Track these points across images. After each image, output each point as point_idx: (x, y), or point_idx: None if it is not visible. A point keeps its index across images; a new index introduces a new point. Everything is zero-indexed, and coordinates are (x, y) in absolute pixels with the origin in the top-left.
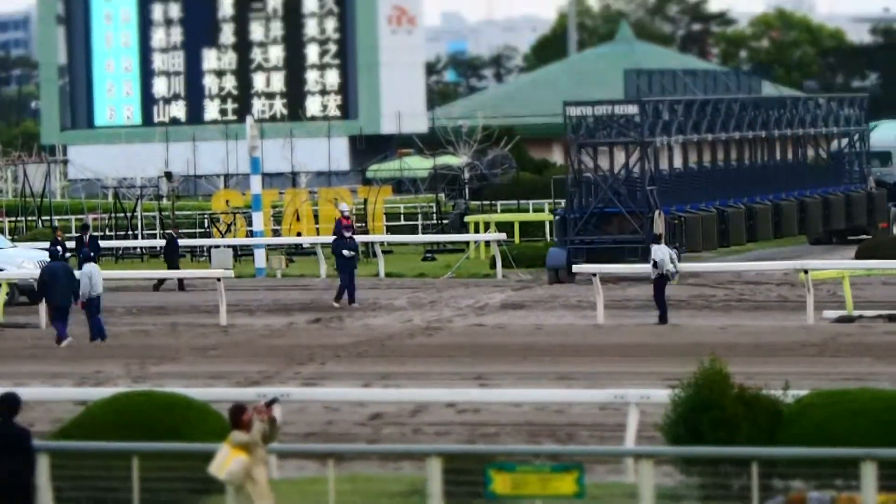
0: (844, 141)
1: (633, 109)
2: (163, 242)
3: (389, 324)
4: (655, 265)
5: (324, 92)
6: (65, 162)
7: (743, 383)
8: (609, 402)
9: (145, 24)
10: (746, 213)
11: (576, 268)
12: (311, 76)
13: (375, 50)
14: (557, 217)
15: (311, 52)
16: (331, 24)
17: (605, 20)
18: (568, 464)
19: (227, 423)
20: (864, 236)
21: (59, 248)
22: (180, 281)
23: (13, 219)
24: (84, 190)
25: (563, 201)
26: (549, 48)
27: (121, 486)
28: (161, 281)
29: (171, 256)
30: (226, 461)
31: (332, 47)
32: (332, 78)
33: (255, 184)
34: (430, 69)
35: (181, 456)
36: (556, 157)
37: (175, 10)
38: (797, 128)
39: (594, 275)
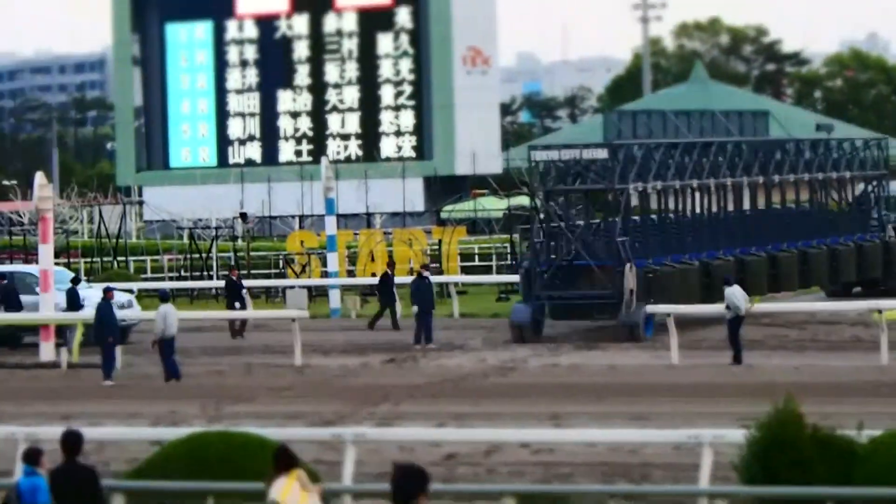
0: (861, 186)
1: (602, 154)
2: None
3: (464, 364)
4: (728, 308)
5: (398, 133)
6: (140, 203)
7: (817, 423)
8: (683, 442)
9: (221, 66)
10: (738, 265)
11: (651, 308)
12: (386, 117)
13: (450, 91)
14: (522, 270)
15: (386, 94)
16: (405, 66)
17: (680, 60)
18: None
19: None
20: (879, 288)
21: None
22: (241, 323)
23: (89, 259)
24: (159, 231)
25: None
26: (624, 88)
27: None
28: (242, 325)
29: (230, 299)
30: (301, 501)
31: (407, 88)
32: (407, 119)
33: (330, 224)
34: (505, 110)
35: (256, 496)
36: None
37: (250, 52)
38: (802, 172)
39: (668, 315)
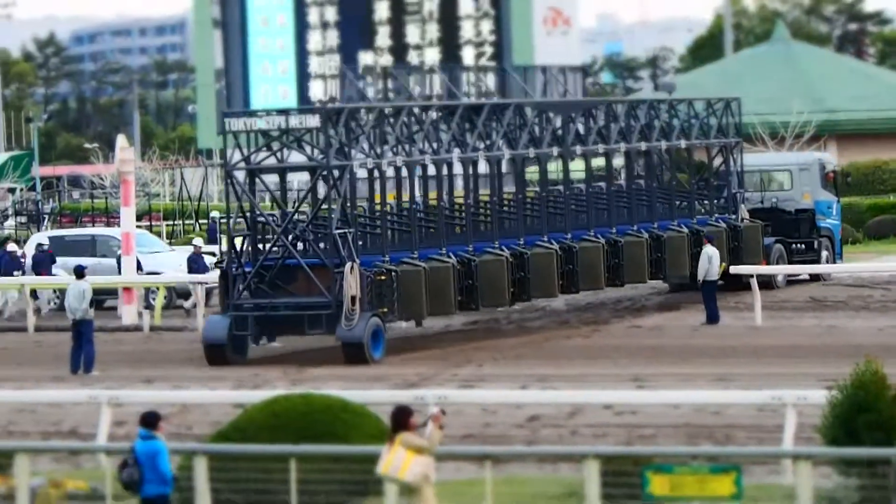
0: (714, 159)
1: (313, 121)
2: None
3: (547, 326)
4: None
5: (480, 94)
6: (222, 165)
7: None
8: (766, 403)
9: (301, 28)
10: (514, 263)
11: (734, 268)
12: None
13: (531, 51)
14: (220, 272)
15: (467, 55)
16: (486, 27)
17: (762, 20)
18: (726, 465)
19: (383, 426)
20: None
21: None
22: None
23: (170, 222)
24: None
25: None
26: (705, 49)
27: (278, 488)
28: None
29: None
30: (406, 463)
31: (488, 49)
32: (488, 80)
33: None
34: (586, 71)
35: (338, 458)
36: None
37: (331, 14)
38: (616, 141)
39: (752, 276)
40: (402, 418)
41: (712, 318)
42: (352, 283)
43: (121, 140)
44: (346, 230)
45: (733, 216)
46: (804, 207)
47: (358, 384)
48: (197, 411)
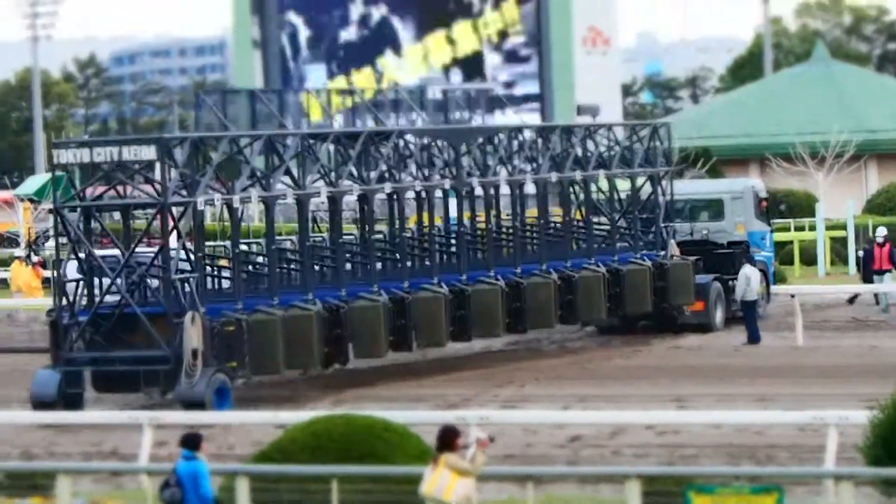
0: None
1: (149, 153)
2: None
3: (588, 346)
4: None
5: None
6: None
7: None
8: (808, 423)
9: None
10: (381, 311)
11: (775, 288)
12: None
13: (571, 71)
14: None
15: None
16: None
17: (801, 40)
18: (768, 485)
19: (425, 446)
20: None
21: None
22: None
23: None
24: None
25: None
26: (745, 68)
27: None
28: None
29: None
30: (450, 485)
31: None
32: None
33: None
34: (626, 90)
35: (380, 479)
36: (753, 177)
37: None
38: (535, 171)
39: (793, 296)
40: (449, 439)
41: (753, 338)
42: (193, 334)
43: None
44: (189, 275)
45: (662, 252)
46: (737, 240)
47: (399, 405)
48: (238, 431)
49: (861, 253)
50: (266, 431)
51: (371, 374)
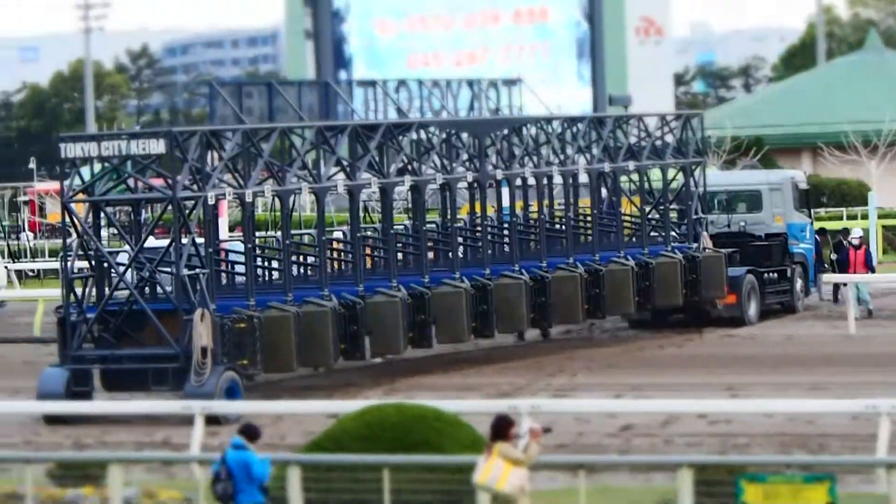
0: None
1: (158, 146)
2: None
3: (640, 335)
4: None
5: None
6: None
7: None
8: (860, 412)
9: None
10: (399, 307)
11: (826, 277)
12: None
13: (624, 61)
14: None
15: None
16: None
17: (854, 29)
18: (820, 474)
19: (477, 435)
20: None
21: None
22: None
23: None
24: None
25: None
26: (798, 57)
27: (371, 498)
28: None
29: None
30: (504, 474)
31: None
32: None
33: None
34: (679, 80)
35: (432, 468)
36: (806, 166)
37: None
38: (549, 163)
39: (844, 284)
40: (503, 428)
41: None
42: (202, 332)
43: None
44: (199, 271)
45: (694, 244)
46: (776, 232)
47: (451, 394)
48: (290, 421)
49: (834, 256)
50: (318, 421)
51: (423, 364)
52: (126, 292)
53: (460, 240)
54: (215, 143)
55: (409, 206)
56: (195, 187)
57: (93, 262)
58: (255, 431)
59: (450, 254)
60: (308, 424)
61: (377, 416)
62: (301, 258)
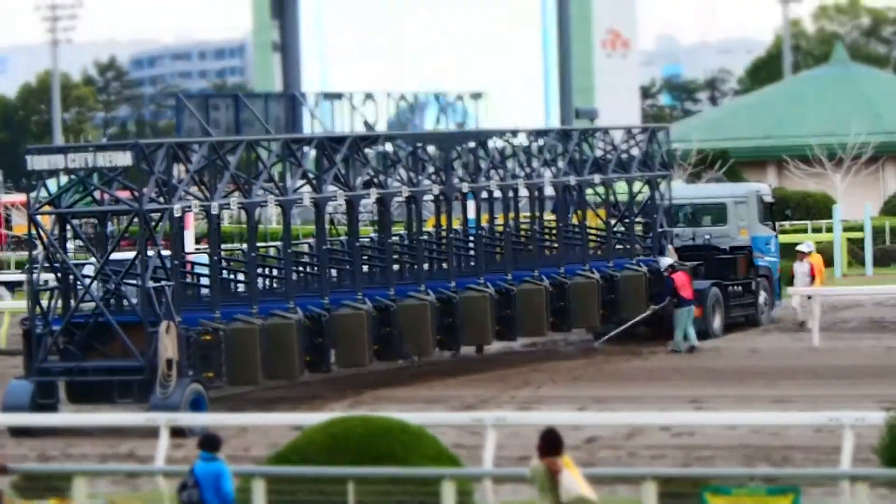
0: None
1: (124, 159)
2: None
3: (605, 348)
4: None
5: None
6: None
7: None
8: (824, 424)
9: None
10: (364, 319)
11: (791, 290)
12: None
13: (590, 73)
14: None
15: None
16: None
17: (820, 42)
18: (784, 486)
19: (441, 448)
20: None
21: None
22: None
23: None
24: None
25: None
26: (764, 70)
27: None
28: None
29: None
30: (581, 482)
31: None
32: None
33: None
34: (645, 93)
35: (397, 480)
36: (771, 179)
37: None
38: (515, 176)
39: (809, 297)
40: (558, 443)
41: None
42: (167, 344)
43: None
44: (165, 283)
45: (659, 257)
46: (740, 245)
47: (416, 406)
48: (255, 433)
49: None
50: (283, 433)
51: (389, 376)
52: (92, 305)
53: (426, 253)
54: (182, 155)
55: (375, 218)
56: (161, 199)
57: (59, 275)
58: (215, 441)
59: (415, 266)
60: (273, 437)
61: (342, 429)
62: (267, 271)
